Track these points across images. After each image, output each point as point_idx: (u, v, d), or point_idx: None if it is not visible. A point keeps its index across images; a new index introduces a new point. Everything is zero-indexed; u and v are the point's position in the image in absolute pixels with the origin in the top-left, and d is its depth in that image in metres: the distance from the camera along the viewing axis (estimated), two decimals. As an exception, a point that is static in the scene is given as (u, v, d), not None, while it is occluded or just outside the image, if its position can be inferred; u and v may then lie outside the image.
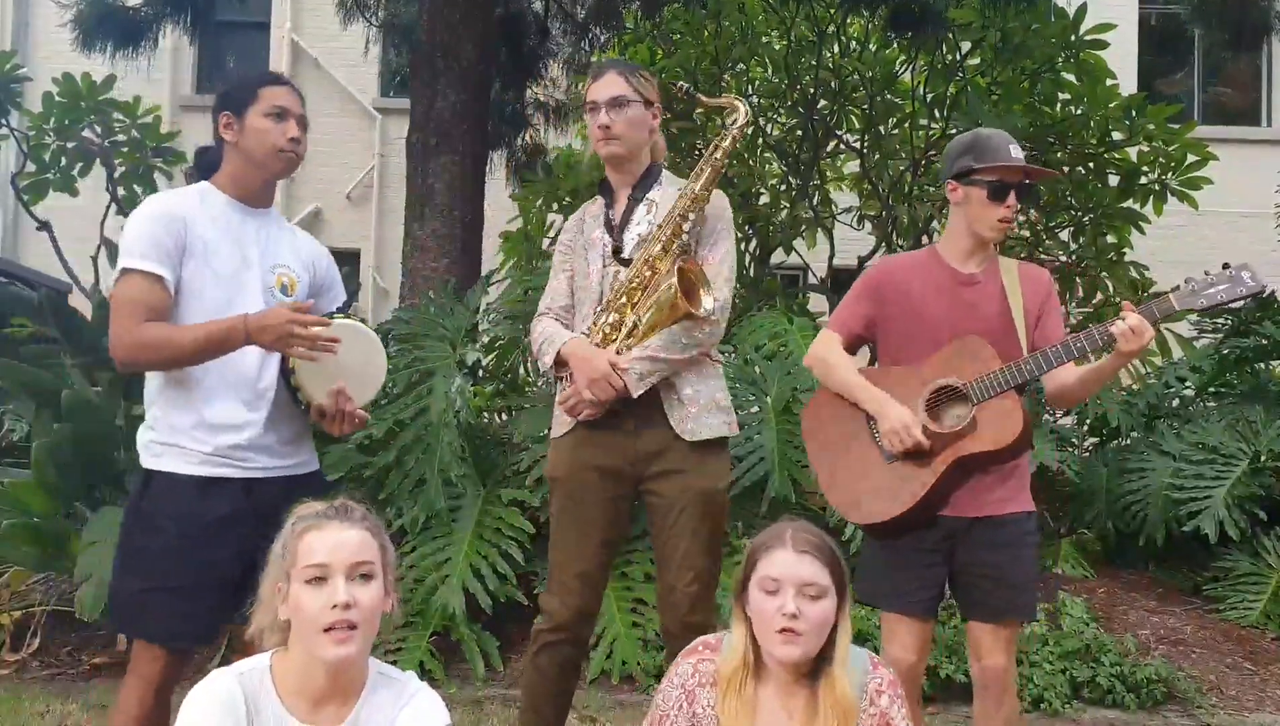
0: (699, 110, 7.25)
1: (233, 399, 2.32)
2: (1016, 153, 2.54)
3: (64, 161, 7.63)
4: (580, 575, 2.54)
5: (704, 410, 2.53)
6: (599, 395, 2.46)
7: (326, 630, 1.68)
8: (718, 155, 2.58)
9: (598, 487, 2.53)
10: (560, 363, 2.54)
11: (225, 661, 1.93)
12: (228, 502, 2.29)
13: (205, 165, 2.45)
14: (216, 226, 2.35)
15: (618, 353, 2.48)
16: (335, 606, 1.68)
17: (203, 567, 2.26)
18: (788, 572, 1.89)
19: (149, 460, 2.33)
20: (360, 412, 2.42)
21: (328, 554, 1.71)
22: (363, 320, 2.46)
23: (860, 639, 3.79)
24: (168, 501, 2.29)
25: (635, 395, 2.46)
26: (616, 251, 2.57)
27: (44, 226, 7.76)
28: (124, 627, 2.38)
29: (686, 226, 2.52)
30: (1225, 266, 2.44)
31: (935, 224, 7.58)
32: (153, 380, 2.37)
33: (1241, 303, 2.45)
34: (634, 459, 2.52)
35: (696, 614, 2.49)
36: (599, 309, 2.56)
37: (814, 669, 1.93)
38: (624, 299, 2.52)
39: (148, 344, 2.25)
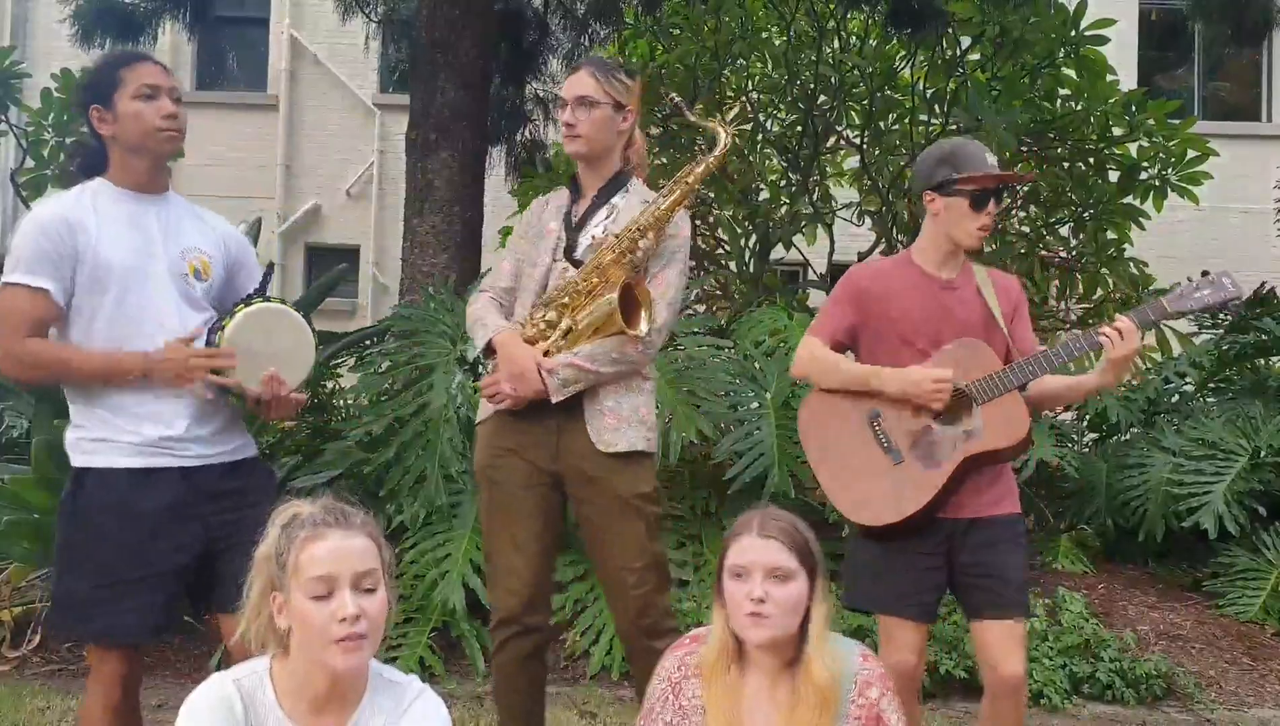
0: (696, 109, 7.22)
1: (161, 395, 2.25)
2: (992, 160, 2.56)
3: (63, 157, 7.62)
4: (520, 561, 2.52)
5: (624, 423, 2.49)
6: (519, 392, 2.46)
7: (336, 641, 1.68)
8: (690, 178, 2.54)
9: (520, 473, 2.52)
10: (490, 350, 2.54)
11: (222, 662, 1.92)
12: (168, 492, 2.24)
13: (87, 165, 2.35)
14: (111, 221, 2.26)
15: (547, 353, 2.47)
16: (344, 620, 1.68)
17: (151, 560, 2.21)
18: (754, 557, 1.94)
19: (79, 458, 2.26)
20: (297, 396, 2.35)
21: (333, 565, 1.70)
22: (281, 301, 2.38)
23: (860, 634, 3.79)
24: (102, 496, 2.22)
25: (555, 400, 2.45)
26: (569, 250, 2.56)
27: (43, 222, 7.74)
28: (73, 633, 2.30)
29: (643, 242, 2.49)
30: (1205, 273, 2.52)
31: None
32: None
33: (1228, 304, 2.54)
34: (554, 456, 2.51)
35: (647, 616, 2.48)
36: (538, 302, 2.55)
37: (797, 655, 1.95)
38: (566, 300, 2.51)
39: (40, 364, 2.22)
